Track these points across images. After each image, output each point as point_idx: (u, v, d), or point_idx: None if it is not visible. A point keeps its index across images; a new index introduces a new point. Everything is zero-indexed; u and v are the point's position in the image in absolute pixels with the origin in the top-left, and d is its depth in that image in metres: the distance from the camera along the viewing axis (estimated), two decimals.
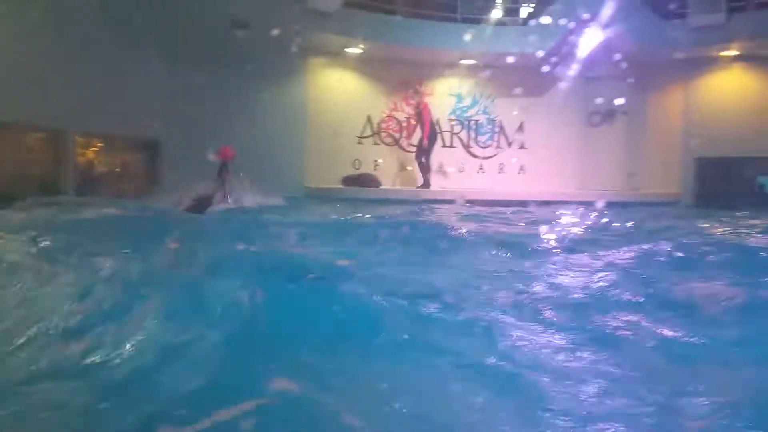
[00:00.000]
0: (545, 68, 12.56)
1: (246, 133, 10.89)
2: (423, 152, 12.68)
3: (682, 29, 11.63)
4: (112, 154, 10.78)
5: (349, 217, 7.53)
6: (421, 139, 12.70)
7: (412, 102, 13.16)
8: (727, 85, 12.39)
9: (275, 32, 10.97)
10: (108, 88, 9.06)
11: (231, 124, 10.82)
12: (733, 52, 11.90)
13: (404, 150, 13.55)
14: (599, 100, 13.22)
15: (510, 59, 12.54)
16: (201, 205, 7.89)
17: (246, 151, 10.74)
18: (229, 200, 8.23)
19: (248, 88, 11.19)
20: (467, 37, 12.06)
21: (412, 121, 13.42)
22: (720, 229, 6.46)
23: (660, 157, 13.02)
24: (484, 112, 13.89)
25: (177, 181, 9.77)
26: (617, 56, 12.16)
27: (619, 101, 13.27)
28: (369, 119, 13.28)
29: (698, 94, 12.70)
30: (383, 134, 13.44)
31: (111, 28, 9.16)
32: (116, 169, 10.86)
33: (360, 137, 13.24)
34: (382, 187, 12.55)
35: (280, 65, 11.60)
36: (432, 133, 12.75)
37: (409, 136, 13.46)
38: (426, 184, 12.54)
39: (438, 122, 13.39)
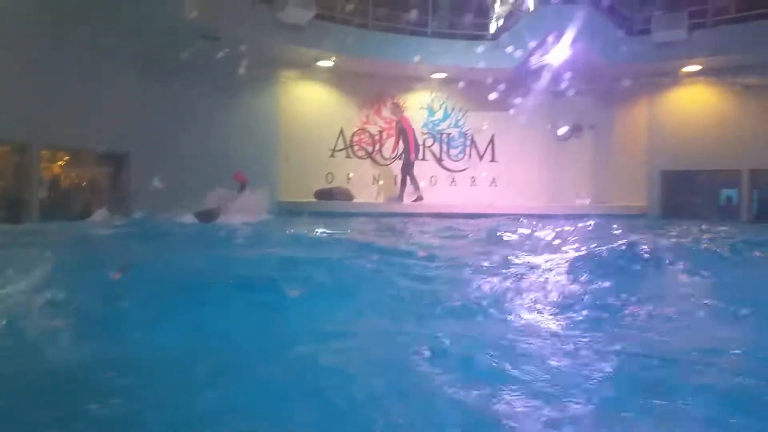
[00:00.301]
0: (514, 83, 12.82)
1: (217, 147, 10.80)
2: (410, 165, 12.71)
3: (645, 45, 11.96)
4: (80, 168, 10.56)
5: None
6: (406, 153, 12.72)
7: (392, 117, 13.14)
8: (690, 100, 12.76)
9: (246, 45, 10.95)
10: (76, 100, 8.89)
11: (202, 137, 10.71)
12: (695, 67, 12.27)
13: (377, 163, 13.59)
14: (567, 115, 13.51)
15: (480, 74, 12.74)
16: (211, 214, 8.35)
17: (218, 164, 10.69)
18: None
19: (220, 101, 11.11)
20: (438, 51, 12.25)
21: (385, 135, 13.51)
22: (674, 240, 6.65)
23: (627, 171, 13.31)
24: (456, 126, 14.03)
25: (147, 195, 9.67)
26: (584, 71, 12.48)
27: (586, 116, 13.59)
28: (341, 132, 13.28)
29: (662, 109, 13.05)
30: (356, 147, 13.46)
31: (80, 40, 9.00)
32: (83, 184, 10.63)
33: (332, 150, 13.22)
34: (354, 201, 12.52)
35: (252, 78, 11.52)
36: (416, 146, 12.85)
37: (382, 149, 13.54)
38: (419, 197, 12.60)
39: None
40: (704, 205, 12.56)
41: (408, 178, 12.62)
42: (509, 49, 12.24)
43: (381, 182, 13.00)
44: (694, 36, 11.66)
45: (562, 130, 13.84)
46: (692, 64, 12.19)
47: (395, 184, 13.04)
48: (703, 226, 8.58)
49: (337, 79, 12.84)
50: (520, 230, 7.28)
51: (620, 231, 7.47)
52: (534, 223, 8.51)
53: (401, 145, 12.82)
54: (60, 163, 10.31)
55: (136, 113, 10.04)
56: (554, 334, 2.78)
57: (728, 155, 12.05)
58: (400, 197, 12.60)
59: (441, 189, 13.69)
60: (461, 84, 13.26)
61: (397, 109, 13.01)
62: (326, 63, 12.26)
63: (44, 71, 8.45)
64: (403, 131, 12.73)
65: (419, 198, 12.55)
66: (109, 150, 10.12)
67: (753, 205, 12.20)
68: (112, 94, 9.69)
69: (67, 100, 8.74)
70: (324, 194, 12.51)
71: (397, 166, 13.25)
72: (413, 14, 12.48)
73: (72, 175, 10.58)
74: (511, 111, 13.41)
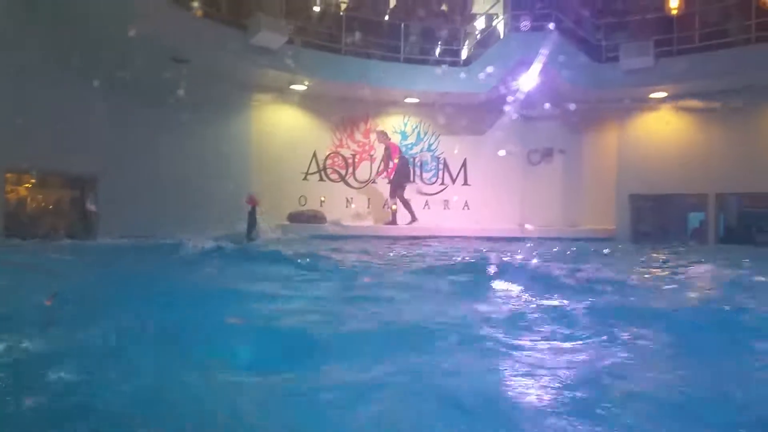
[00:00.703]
0: (486, 108, 13.01)
1: (188, 171, 10.71)
2: (400, 188, 12.93)
3: (614, 72, 12.22)
4: (45, 191, 10.38)
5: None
6: (396, 177, 12.96)
7: (381, 143, 13.29)
8: (657, 125, 13.03)
9: (218, 68, 10.97)
10: (42, 122, 8.77)
11: (172, 160, 10.61)
12: (662, 94, 12.56)
13: (350, 186, 13.60)
14: (538, 140, 13.72)
15: (452, 98, 12.91)
16: None
17: (188, 188, 10.61)
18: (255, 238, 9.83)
19: (191, 125, 11.03)
20: (410, 76, 12.39)
21: (358, 158, 13.58)
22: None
23: (596, 194, 13.49)
24: (429, 150, 14.13)
25: (115, 219, 9.55)
26: (554, 97, 12.71)
27: (557, 141, 13.80)
28: (315, 155, 13.29)
29: (631, 134, 13.31)
30: (329, 170, 13.47)
31: (47, 60, 8.93)
32: (49, 207, 10.45)
33: (305, 174, 13.21)
34: (328, 224, 12.49)
35: (224, 101, 11.53)
36: (406, 170, 13.11)
37: (355, 172, 13.60)
38: (413, 218, 12.81)
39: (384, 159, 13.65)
40: (672, 229, 12.77)
41: (403, 200, 12.90)
42: (480, 75, 12.44)
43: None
44: (661, 64, 11.95)
45: (534, 156, 14.04)
46: (659, 90, 12.48)
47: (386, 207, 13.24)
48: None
49: (310, 102, 12.88)
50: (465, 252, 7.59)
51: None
52: (484, 246, 8.77)
53: (389, 165, 13.09)
54: (26, 185, 10.14)
55: (104, 136, 9.93)
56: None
57: (695, 179, 12.28)
58: (413, 218, 12.86)
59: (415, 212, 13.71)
60: (434, 108, 13.43)
61: (384, 136, 13.17)
62: (299, 87, 12.30)
63: (9, 93, 8.35)
64: (391, 156, 13.02)
65: (413, 219, 12.82)
66: (76, 173, 9.99)
67: (719, 229, 12.43)
68: (80, 116, 9.58)
69: (33, 122, 8.61)
70: (298, 217, 12.48)
71: (374, 190, 13.36)
72: (385, 40, 12.63)
73: (38, 197, 10.40)
74: (483, 135, 13.61)
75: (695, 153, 12.34)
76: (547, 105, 12.80)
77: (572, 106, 12.92)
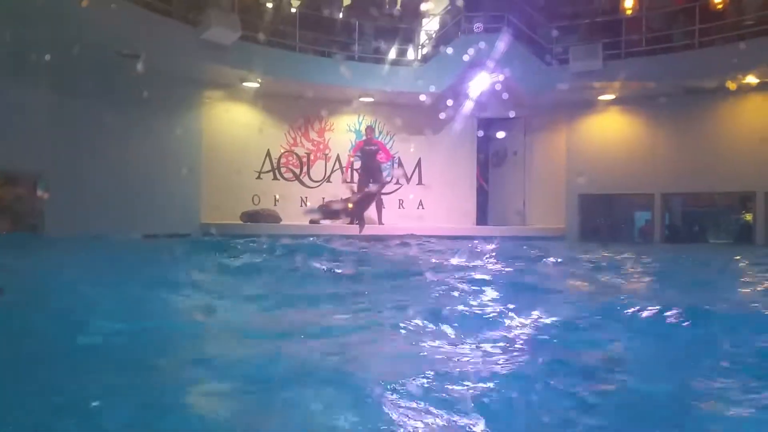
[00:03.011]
0: (440, 108, 13.12)
1: (136, 167, 10.48)
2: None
3: (563, 74, 12.47)
4: None
5: None
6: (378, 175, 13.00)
7: (368, 147, 13.22)
8: (606, 127, 13.37)
9: (168, 64, 10.75)
10: None
11: (120, 157, 10.35)
12: (610, 96, 12.90)
13: (305, 185, 13.53)
14: (490, 141, 13.93)
15: (406, 98, 12.97)
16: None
17: (136, 185, 10.38)
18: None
19: (139, 121, 10.77)
20: (365, 75, 12.39)
21: (313, 157, 13.52)
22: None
23: (547, 194, 13.76)
24: None
25: (61, 216, 9.27)
26: (506, 99, 12.91)
27: (509, 142, 14.04)
28: (268, 154, 13.17)
29: (580, 135, 13.62)
30: (283, 170, 13.36)
31: None
32: None
33: (259, 172, 13.08)
34: (282, 223, 12.39)
35: (174, 97, 11.30)
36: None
37: (310, 171, 13.53)
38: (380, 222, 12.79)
39: (338, 158, 13.68)
40: (620, 228, 13.12)
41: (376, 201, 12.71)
42: (434, 75, 12.55)
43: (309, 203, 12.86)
44: (609, 67, 12.24)
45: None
46: (607, 93, 12.81)
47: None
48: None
49: (263, 100, 12.75)
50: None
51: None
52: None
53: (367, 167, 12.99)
54: None
55: (49, 132, 9.61)
56: None
57: (642, 180, 12.63)
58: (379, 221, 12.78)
59: (370, 211, 13.71)
60: (388, 108, 13.48)
61: (372, 132, 13.26)
62: (252, 84, 12.16)
63: None
64: (372, 155, 12.97)
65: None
66: (19, 169, 9.65)
67: (665, 228, 12.83)
68: (24, 112, 9.25)
69: None
70: (251, 216, 12.33)
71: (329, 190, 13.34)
72: (340, 38, 12.62)
73: None
74: (437, 135, 13.72)
75: (641, 154, 12.71)
76: (498, 106, 13.01)
77: (523, 108, 13.15)
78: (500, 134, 13.98)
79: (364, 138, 13.41)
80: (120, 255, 7.18)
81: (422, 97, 12.78)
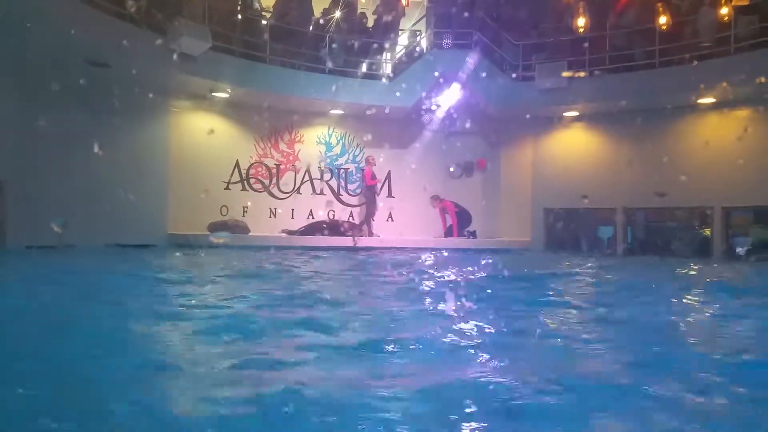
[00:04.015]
0: (409, 122, 13.29)
1: (101, 177, 10.36)
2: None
3: (529, 91, 12.76)
4: None
5: None
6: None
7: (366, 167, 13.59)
8: (570, 142, 13.69)
9: (136, 72, 10.68)
10: None
11: (85, 166, 10.22)
12: (574, 113, 13.22)
13: (274, 197, 13.51)
14: (458, 153, 14.13)
15: (376, 112, 13.10)
16: None
17: (101, 194, 10.26)
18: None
19: (105, 130, 10.67)
20: (335, 88, 12.46)
21: (283, 168, 13.55)
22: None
23: (513, 207, 14.00)
24: (353, 161, 14.25)
25: (23, 225, 9.11)
26: (474, 113, 13.14)
27: (477, 156, 14.26)
28: (237, 165, 13.14)
29: (545, 151, 13.92)
30: (252, 180, 13.33)
31: None
32: None
33: (227, 183, 13.03)
34: (250, 234, 12.34)
35: (141, 106, 11.18)
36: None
37: (279, 182, 13.54)
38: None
39: (308, 169, 13.75)
40: (583, 241, 13.38)
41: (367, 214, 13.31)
42: (404, 89, 12.72)
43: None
44: (573, 84, 12.58)
45: (455, 169, 14.43)
46: (571, 109, 13.13)
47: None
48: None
49: (232, 111, 12.74)
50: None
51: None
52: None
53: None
54: None
55: (13, 140, 9.47)
56: None
57: (605, 194, 12.91)
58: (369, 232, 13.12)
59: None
60: (358, 121, 13.59)
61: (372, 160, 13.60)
62: (221, 94, 12.15)
63: None
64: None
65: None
66: None
67: (627, 241, 13.13)
68: None
69: None
70: (219, 227, 12.25)
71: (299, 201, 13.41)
72: (310, 51, 12.70)
73: None
74: (407, 149, 13.87)
75: (604, 169, 13.01)
76: (467, 121, 13.22)
77: (491, 123, 13.38)
78: (468, 148, 14.16)
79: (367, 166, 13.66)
80: (66, 266, 7.16)
81: (391, 111, 12.93)
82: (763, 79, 10.19)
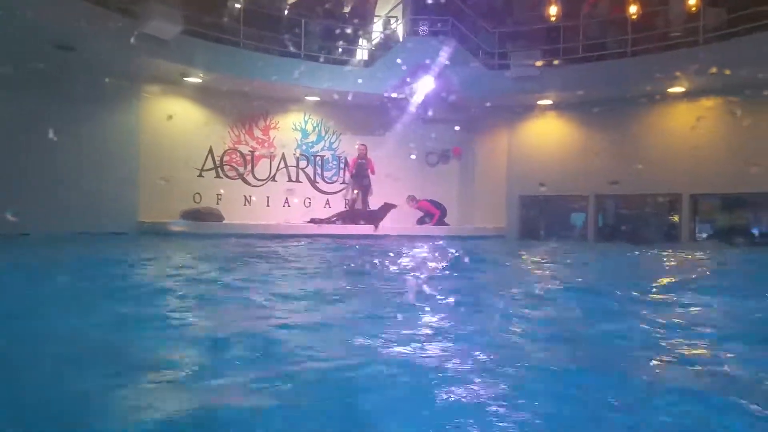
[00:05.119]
0: (385, 109, 13.24)
1: (70, 162, 10.13)
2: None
3: (504, 79, 12.82)
4: None
5: None
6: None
7: (360, 160, 13.40)
8: (544, 131, 13.82)
9: (105, 56, 10.43)
10: None
11: (53, 151, 9.97)
12: (547, 101, 13.34)
13: (248, 184, 13.37)
14: (434, 141, 14.16)
15: (353, 98, 13.01)
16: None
17: (70, 181, 10.03)
18: None
19: (73, 116, 10.42)
20: (311, 74, 12.35)
21: (258, 155, 13.41)
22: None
23: (489, 195, 14.11)
24: (330, 148, 14.17)
25: None
26: (450, 101, 13.15)
27: (453, 143, 14.31)
28: (211, 151, 12.95)
29: (519, 139, 14.03)
30: (226, 168, 13.16)
31: None
32: None
33: (201, 170, 12.84)
34: (224, 222, 12.20)
35: (110, 91, 10.93)
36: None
37: (254, 170, 13.41)
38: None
39: (283, 156, 13.65)
40: (556, 227, 13.57)
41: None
42: (380, 76, 12.65)
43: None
44: (546, 73, 12.67)
45: (430, 157, 14.47)
46: (545, 98, 13.24)
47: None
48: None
49: (205, 96, 12.53)
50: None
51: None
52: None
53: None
54: None
55: None
56: None
57: (577, 182, 13.11)
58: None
59: (316, 211, 13.72)
60: (334, 107, 13.50)
61: (364, 149, 13.44)
62: (194, 80, 11.93)
63: None
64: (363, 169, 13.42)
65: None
66: None
67: (598, 227, 13.36)
68: None
69: None
70: (191, 214, 12.07)
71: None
72: (286, 36, 12.53)
73: None
74: (383, 136, 13.82)
75: (577, 157, 13.18)
76: (443, 108, 13.24)
77: (467, 111, 13.42)
78: (444, 136, 14.20)
79: (357, 155, 13.51)
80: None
81: (367, 98, 12.88)
82: (714, 70, 10.45)
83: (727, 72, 10.45)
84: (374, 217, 12.91)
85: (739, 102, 11.26)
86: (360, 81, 12.67)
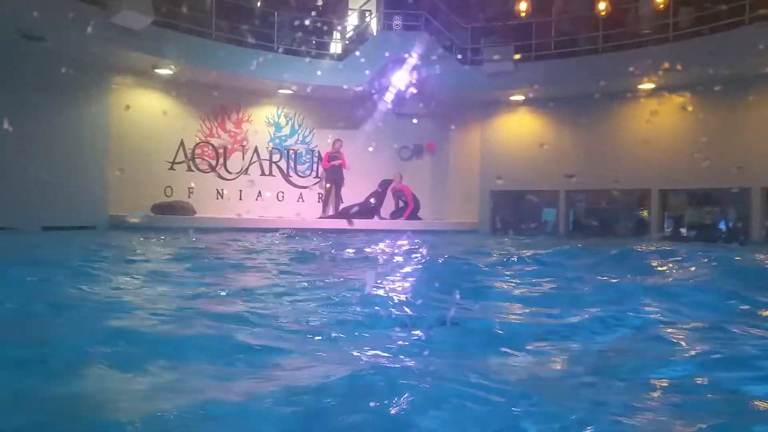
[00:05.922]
0: (360, 103, 13.22)
1: (37, 154, 9.89)
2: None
3: (477, 74, 12.89)
4: None
5: None
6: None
7: (334, 154, 13.38)
8: (516, 126, 13.95)
9: (73, 47, 10.21)
10: None
11: (20, 143, 9.70)
12: (520, 97, 13.46)
13: (221, 177, 13.25)
14: (408, 135, 14.21)
15: (327, 92, 12.98)
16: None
17: (37, 174, 9.79)
18: None
19: (42, 106, 10.18)
20: (284, 67, 12.27)
21: (230, 148, 13.29)
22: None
23: (461, 190, 14.21)
24: (303, 142, 14.11)
25: None
26: (423, 96, 13.19)
27: (426, 138, 14.36)
28: (182, 144, 12.79)
29: (492, 134, 14.14)
30: (198, 161, 13.02)
31: None
32: None
33: (172, 163, 12.68)
34: (196, 215, 12.09)
35: (79, 82, 10.67)
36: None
37: (227, 163, 13.29)
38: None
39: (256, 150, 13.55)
40: (528, 222, 13.72)
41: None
42: (354, 69, 12.63)
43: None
44: (519, 68, 12.77)
45: (404, 151, 14.52)
46: (517, 94, 13.35)
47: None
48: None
49: (177, 88, 12.33)
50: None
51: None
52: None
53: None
54: None
55: None
56: None
57: (548, 177, 13.23)
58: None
59: (289, 204, 13.67)
60: (308, 101, 13.44)
61: (338, 143, 13.43)
62: (165, 71, 11.75)
63: None
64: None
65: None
66: None
67: (569, 223, 13.55)
68: None
69: None
70: (163, 208, 11.93)
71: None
72: (259, 28, 12.42)
73: None
74: (357, 130, 13.80)
75: (548, 153, 13.31)
76: (416, 103, 13.27)
77: (440, 106, 13.46)
78: (418, 130, 14.24)
79: (330, 150, 13.49)
80: None
81: (341, 91, 12.84)
82: (667, 65, 10.67)
83: (666, 66, 10.68)
84: (374, 207, 13.48)
85: (705, 98, 11.51)
86: (333, 74, 12.64)
